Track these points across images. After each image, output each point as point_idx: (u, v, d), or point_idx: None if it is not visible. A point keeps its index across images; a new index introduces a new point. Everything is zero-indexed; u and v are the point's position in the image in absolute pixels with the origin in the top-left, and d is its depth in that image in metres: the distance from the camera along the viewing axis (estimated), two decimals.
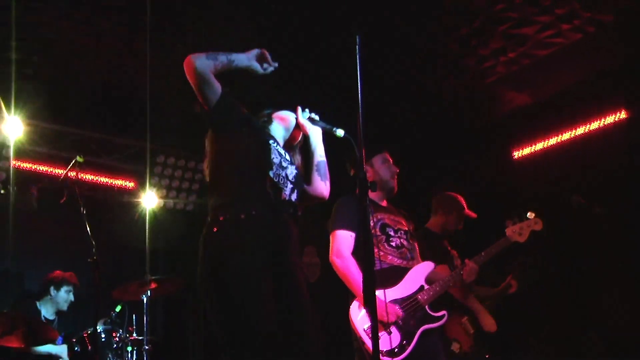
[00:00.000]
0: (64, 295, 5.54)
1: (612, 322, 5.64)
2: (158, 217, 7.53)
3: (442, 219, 4.78)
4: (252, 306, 2.56)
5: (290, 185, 2.87)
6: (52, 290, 5.52)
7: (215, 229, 2.69)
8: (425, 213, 4.90)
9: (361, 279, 3.42)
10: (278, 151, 2.91)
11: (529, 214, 4.09)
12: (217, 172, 2.87)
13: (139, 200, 7.35)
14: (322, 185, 3.11)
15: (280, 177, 2.84)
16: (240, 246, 2.64)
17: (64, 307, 5.57)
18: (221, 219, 2.71)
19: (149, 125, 6.67)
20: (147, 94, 5.82)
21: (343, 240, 3.65)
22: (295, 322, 2.70)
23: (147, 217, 6.95)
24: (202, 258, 2.69)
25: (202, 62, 2.75)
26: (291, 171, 2.93)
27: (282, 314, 2.63)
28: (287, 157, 2.98)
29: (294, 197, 2.89)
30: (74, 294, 5.61)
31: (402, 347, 3.45)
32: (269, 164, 2.82)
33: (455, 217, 4.74)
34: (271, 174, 2.79)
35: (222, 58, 2.81)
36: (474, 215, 4.78)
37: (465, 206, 4.79)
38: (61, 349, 5.16)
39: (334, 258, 3.64)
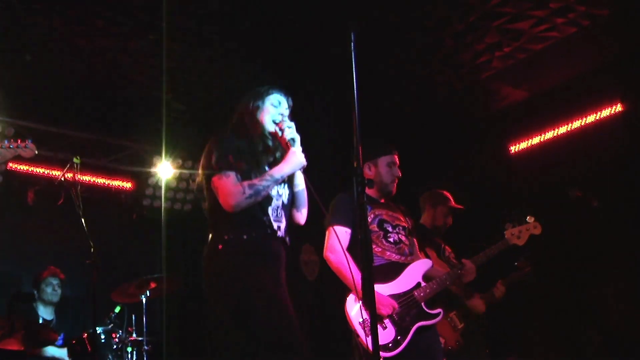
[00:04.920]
0: (49, 289, 5.57)
1: (610, 317, 5.64)
2: (156, 217, 7.52)
3: (429, 214, 4.85)
4: (267, 318, 2.76)
5: (284, 214, 3.09)
6: (38, 288, 5.59)
7: (220, 247, 2.89)
8: (419, 209, 4.93)
9: (356, 273, 3.45)
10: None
11: (528, 217, 4.14)
12: (218, 210, 2.96)
13: (137, 201, 7.38)
14: (297, 215, 3.26)
15: (279, 210, 3.05)
16: (246, 264, 2.86)
17: (54, 299, 5.59)
18: (225, 237, 2.90)
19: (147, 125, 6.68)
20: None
21: (337, 235, 3.64)
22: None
23: (163, 185, 7.02)
24: (209, 274, 2.90)
25: (240, 203, 2.87)
26: (286, 193, 3.14)
27: None
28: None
29: (283, 224, 3.08)
30: (61, 286, 5.63)
31: (396, 342, 3.44)
32: (269, 199, 3.01)
33: (441, 210, 4.80)
34: (270, 209, 3.00)
35: (261, 189, 2.90)
36: (460, 207, 4.83)
37: (451, 199, 4.85)
38: (62, 352, 5.16)
39: (327, 254, 3.64)
